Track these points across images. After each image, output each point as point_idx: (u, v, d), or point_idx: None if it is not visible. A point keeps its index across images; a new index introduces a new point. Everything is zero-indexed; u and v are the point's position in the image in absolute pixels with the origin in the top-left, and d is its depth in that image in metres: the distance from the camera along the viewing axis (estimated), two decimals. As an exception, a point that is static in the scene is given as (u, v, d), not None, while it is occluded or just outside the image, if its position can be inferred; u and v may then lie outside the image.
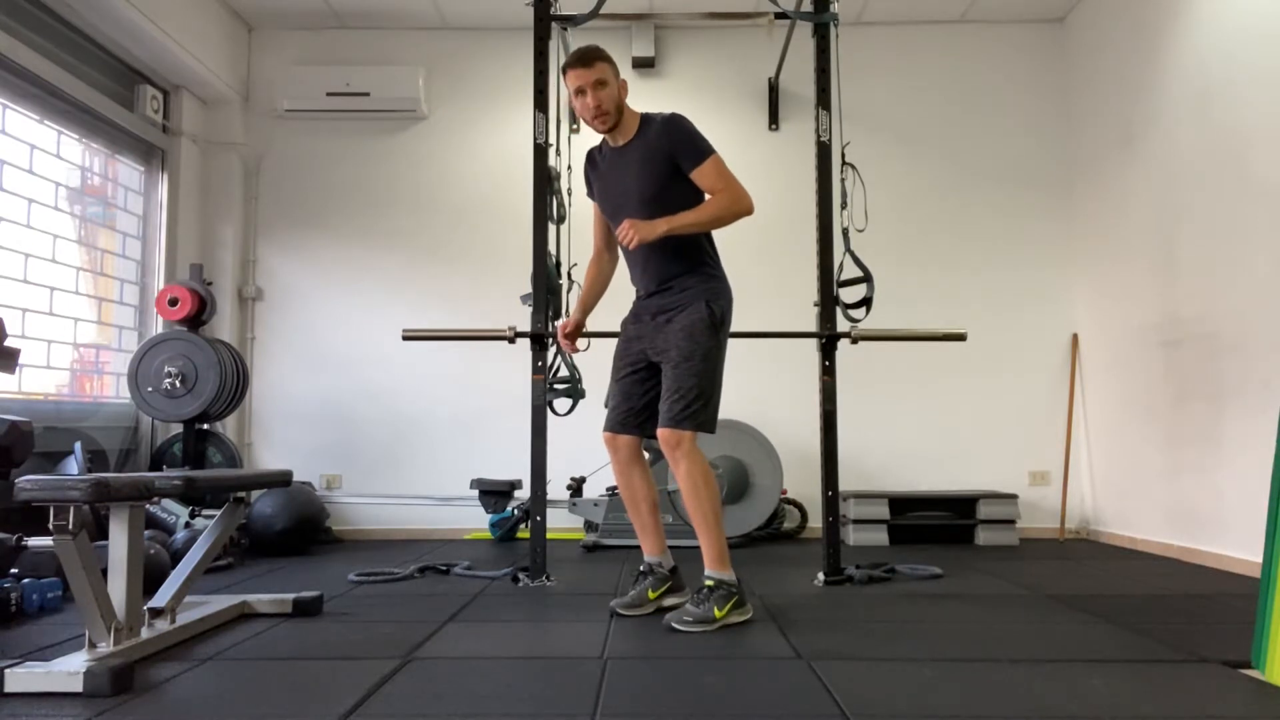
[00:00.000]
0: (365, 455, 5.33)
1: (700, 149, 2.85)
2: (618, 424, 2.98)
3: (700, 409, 2.79)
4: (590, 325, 3.87)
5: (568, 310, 3.93)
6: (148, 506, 4.02)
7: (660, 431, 2.81)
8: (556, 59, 3.87)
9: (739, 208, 2.83)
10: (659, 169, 2.86)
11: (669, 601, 2.92)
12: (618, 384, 3.01)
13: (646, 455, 3.07)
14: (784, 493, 4.93)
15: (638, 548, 4.50)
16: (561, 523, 4.92)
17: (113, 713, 1.91)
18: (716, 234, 2.99)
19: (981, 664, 2.28)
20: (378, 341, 5.35)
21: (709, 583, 2.77)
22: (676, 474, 2.81)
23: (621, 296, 3.17)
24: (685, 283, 2.89)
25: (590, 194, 3.10)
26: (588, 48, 2.87)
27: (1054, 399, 5.29)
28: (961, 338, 3.74)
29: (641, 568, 3.00)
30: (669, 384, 2.82)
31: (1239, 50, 3.82)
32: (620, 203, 2.94)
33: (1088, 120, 5.19)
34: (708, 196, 2.87)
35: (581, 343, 3.97)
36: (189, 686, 2.11)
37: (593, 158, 3.06)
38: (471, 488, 4.98)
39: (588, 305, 3.21)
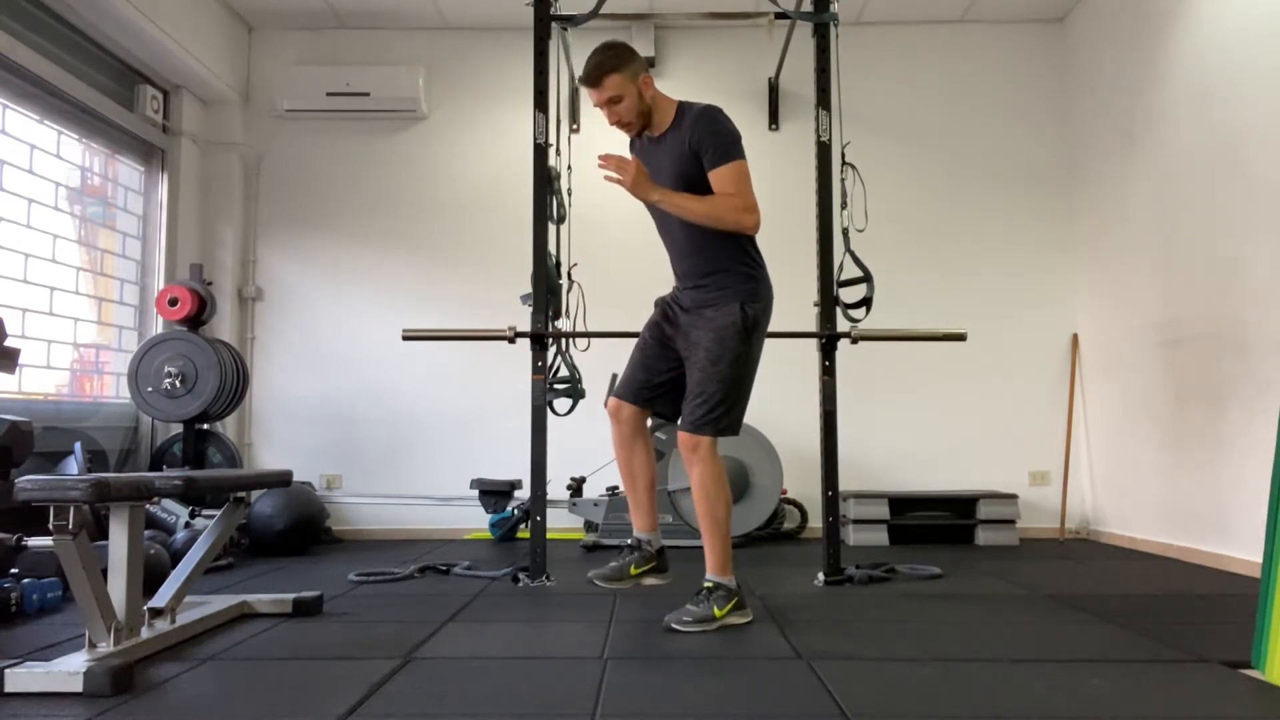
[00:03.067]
0: (365, 455, 5.33)
1: (727, 150, 2.71)
2: (628, 392, 2.88)
3: (722, 414, 2.74)
4: (592, 325, 3.88)
5: (568, 310, 3.93)
6: (148, 506, 4.03)
7: (680, 435, 2.79)
8: (556, 59, 3.87)
9: (741, 218, 2.70)
10: (688, 164, 2.75)
11: (649, 581, 2.88)
12: (640, 352, 2.91)
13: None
14: (784, 493, 4.93)
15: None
16: (561, 523, 4.92)
17: (113, 713, 1.91)
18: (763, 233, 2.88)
19: (981, 664, 2.28)
20: (378, 341, 5.35)
21: (708, 584, 2.76)
22: (690, 476, 2.78)
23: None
24: (722, 280, 2.79)
25: None
26: (596, 61, 2.74)
27: (1054, 399, 5.29)
28: (961, 338, 3.74)
29: (629, 541, 2.94)
30: (693, 385, 2.77)
31: (1239, 49, 3.82)
32: None
33: (1088, 120, 5.19)
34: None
35: (581, 343, 3.98)
36: (189, 686, 2.11)
37: (634, 144, 2.99)
38: (471, 488, 4.98)
39: None
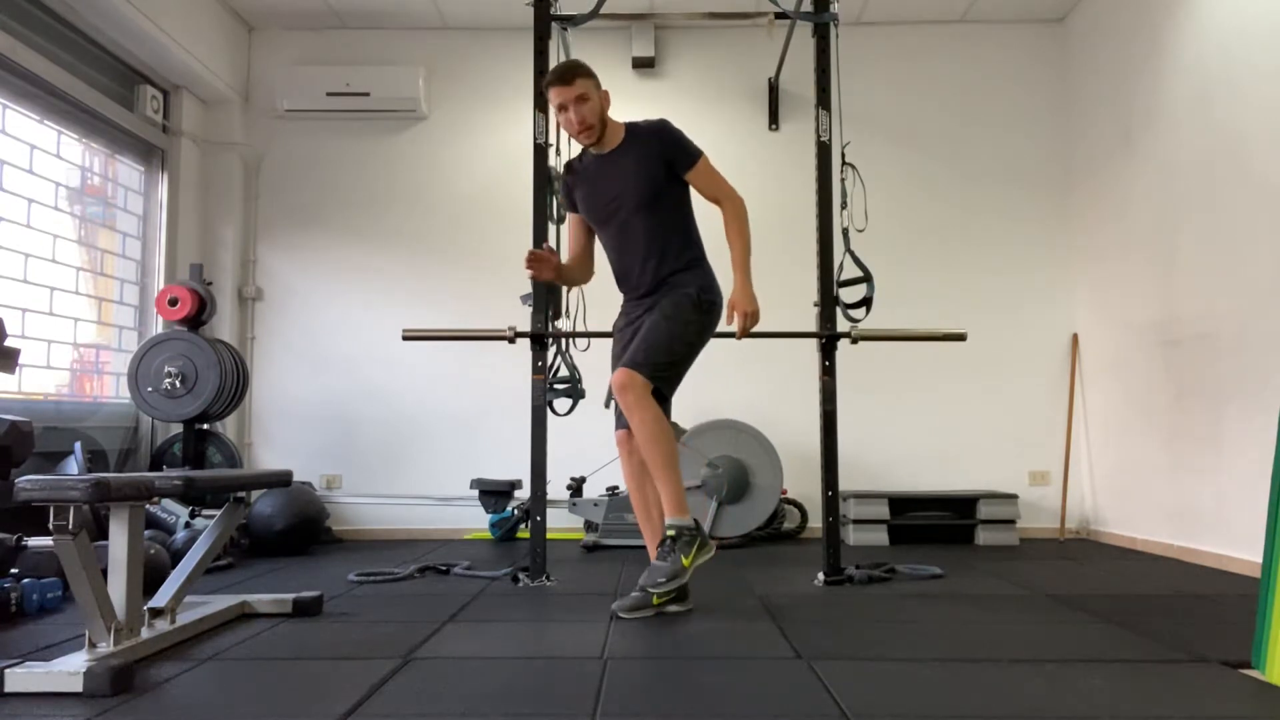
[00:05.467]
0: (365, 455, 5.33)
1: (691, 153, 2.95)
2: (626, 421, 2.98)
3: (662, 363, 2.83)
4: (590, 325, 3.88)
5: (568, 310, 3.93)
6: (148, 506, 4.03)
7: (616, 373, 2.85)
8: (556, 59, 3.87)
9: (744, 210, 2.97)
10: (653, 174, 2.92)
11: (672, 609, 2.91)
12: None
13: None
14: (784, 493, 4.93)
15: (637, 548, 4.51)
16: (561, 523, 4.92)
17: (113, 713, 1.91)
18: (703, 229, 3.10)
19: (981, 664, 2.28)
20: (377, 341, 5.35)
21: (670, 532, 2.82)
22: (630, 420, 2.82)
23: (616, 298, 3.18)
24: (679, 280, 2.97)
25: (569, 205, 3.14)
26: (567, 65, 2.91)
27: (1054, 399, 5.29)
28: (961, 338, 3.74)
29: None
30: (641, 333, 2.88)
31: (1239, 49, 3.82)
32: (614, 209, 2.98)
33: (1088, 120, 5.19)
34: (693, 191, 3.03)
35: (581, 343, 3.98)
36: (189, 686, 2.11)
37: (572, 168, 3.10)
38: (471, 488, 4.98)
39: (569, 272, 3.19)
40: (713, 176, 2.97)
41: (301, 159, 5.49)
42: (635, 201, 2.93)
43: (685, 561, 2.76)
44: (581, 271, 3.23)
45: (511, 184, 5.29)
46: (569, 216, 3.18)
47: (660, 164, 2.93)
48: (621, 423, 3.00)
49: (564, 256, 3.37)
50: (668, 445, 2.83)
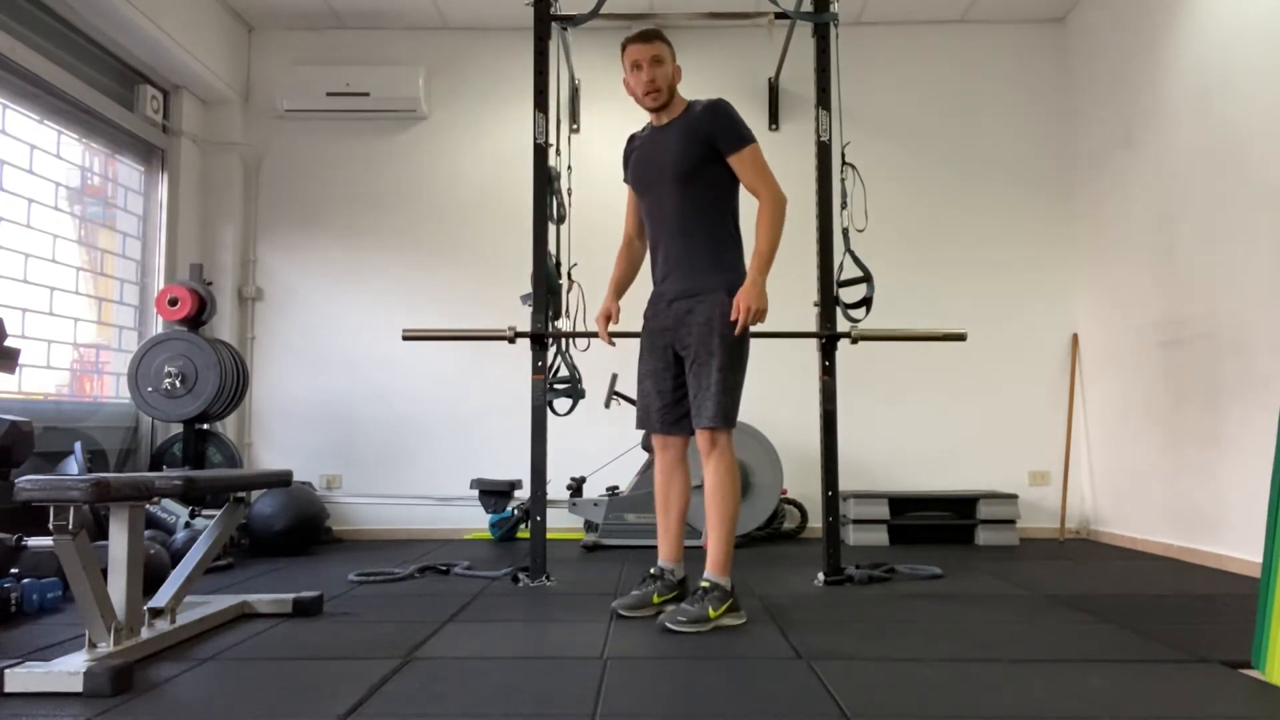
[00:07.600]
0: (365, 455, 5.33)
1: (741, 135, 2.89)
2: (670, 424, 2.95)
3: (730, 405, 2.82)
4: (590, 325, 3.88)
5: (568, 310, 3.93)
6: (148, 506, 4.03)
7: (699, 433, 2.83)
8: (556, 59, 3.87)
9: (782, 207, 2.87)
10: (696, 149, 2.88)
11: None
12: (650, 378, 2.98)
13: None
14: (784, 493, 4.93)
15: (637, 548, 4.52)
16: (561, 523, 4.93)
17: (113, 713, 1.91)
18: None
19: (981, 664, 2.28)
20: (378, 341, 5.35)
21: (705, 584, 2.77)
22: (708, 471, 2.83)
23: (626, 298, 3.18)
24: (710, 266, 2.89)
25: (626, 177, 3.11)
26: (651, 28, 2.96)
27: (1054, 399, 5.29)
28: (961, 338, 3.75)
29: (652, 570, 2.99)
30: (698, 382, 2.83)
31: (1239, 49, 3.82)
32: (653, 178, 2.95)
33: (1088, 120, 5.19)
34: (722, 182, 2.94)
35: (581, 343, 3.98)
36: (189, 686, 2.11)
37: (633, 138, 3.11)
38: (471, 488, 4.98)
39: (621, 288, 3.18)
40: (758, 166, 2.88)
41: (301, 159, 5.49)
42: (671, 172, 2.89)
43: (711, 613, 2.70)
44: (633, 264, 3.19)
45: (512, 184, 5.30)
46: (628, 192, 3.13)
47: (703, 139, 2.86)
48: (659, 425, 2.96)
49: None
50: (735, 502, 2.84)
